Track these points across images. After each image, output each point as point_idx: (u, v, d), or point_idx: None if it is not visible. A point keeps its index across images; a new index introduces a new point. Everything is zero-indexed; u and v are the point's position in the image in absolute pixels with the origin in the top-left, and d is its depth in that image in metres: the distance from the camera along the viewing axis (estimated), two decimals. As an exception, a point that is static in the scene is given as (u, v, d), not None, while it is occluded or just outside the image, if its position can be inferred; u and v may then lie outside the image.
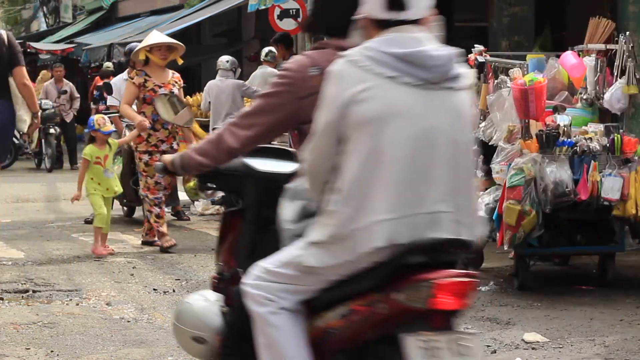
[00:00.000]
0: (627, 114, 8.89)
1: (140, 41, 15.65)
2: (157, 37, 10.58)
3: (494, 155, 8.31)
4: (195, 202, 13.12)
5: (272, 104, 3.94)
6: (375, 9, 3.53)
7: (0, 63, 8.80)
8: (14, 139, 18.74)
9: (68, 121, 21.30)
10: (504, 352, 6.52)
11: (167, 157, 4.22)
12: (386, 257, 3.46)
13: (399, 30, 3.52)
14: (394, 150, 3.46)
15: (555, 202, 7.91)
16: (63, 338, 6.81)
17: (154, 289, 8.32)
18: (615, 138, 8.06)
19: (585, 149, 8.02)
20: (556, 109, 8.50)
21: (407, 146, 3.47)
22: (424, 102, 3.50)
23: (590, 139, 8.10)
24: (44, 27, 39.34)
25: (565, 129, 8.13)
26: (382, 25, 3.54)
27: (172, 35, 13.49)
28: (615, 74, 8.73)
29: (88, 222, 12.25)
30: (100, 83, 21.34)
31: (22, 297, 8.20)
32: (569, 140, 8.03)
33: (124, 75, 12.24)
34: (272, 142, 4.27)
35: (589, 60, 8.81)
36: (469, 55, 9.31)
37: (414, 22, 3.55)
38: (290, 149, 4.35)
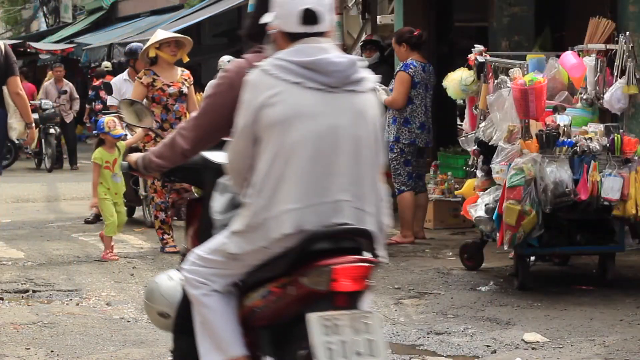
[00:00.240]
0: (627, 114, 8.88)
1: (140, 41, 15.65)
2: (165, 33, 10.46)
3: (494, 155, 8.31)
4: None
5: (214, 105, 4.27)
6: (290, 24, 4.00)
7: None
8: (15, 140, 18.77)
9: (68, 121, 21.31)
10: (504, 352, 6.52)
11: (132, 157, 4.59)
12: (295, 244, 3.91)
13: (307, 41, 3.99)
14: (300, 147, 3.92)
15: (555, 202, 7.92)
16: (63, 338, 6.81)
17: (154, 289, 8.32)
18: (615, 138, 8.06)
19: (585, 149, 8.02)
20: (556, 109, 8.50)
21: (311, 143, 3.92)
22: (327, 103, 3.96)
23: (590, 139, 8.10)
24: (44, 27, 39.33)
25: (565, 129, 8.13)
26: (294, 37, 4.00)
27: (172, 35, 13.51)
28: (615, 74, 8.73)
29: (88, 222, 12.26)
30: (97, 83, 21.40)
31: (22, 297, 8.21)
32: (569, 140, 8.03)
33: (124, 75, 12.24)
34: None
35: (589, 60, 8.81)
36: (469, 55, 9.31)
37: (321, 34, 4.03)
38: None
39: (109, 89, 12.10)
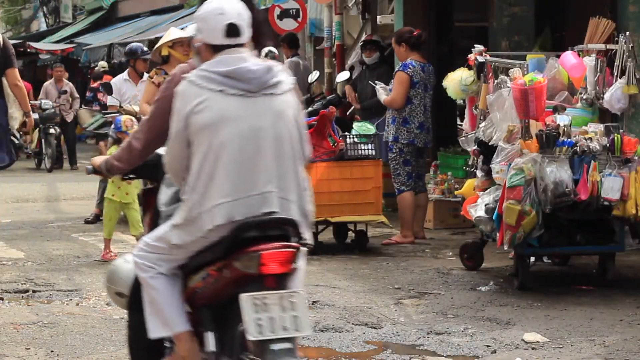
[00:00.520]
0: (627, 114, 8.88)
1: (140, 41, 15.65)
2: (179, 32, 10.23)
3: (494, 155, 8.31)
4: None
5: (162, 108, 4.69)
6: (215, 37, 4.49)
7: None
8: (14, 139, 18.77)
9: (68, 121, 21.30)
10: (504, 352, 6.52)
11: (96, 161, 5.02)
12: (229, 232, 4.38)
13: (229, 52, 4.48)
14: (226, 147, 4.39)
15: (555, 202, 7.92)
16: (63, 338, 6.81)
17: (154, 289, 8.32)
18: (615, 138, 8.06)
19: (585, 149, 8.02)
20: (556, 109, 8.50)
21: (236, 143, 4.40)
22: (248, 107, 4.44)
23: (590, 139, 8.10)
24: (44, 27, 39.34)
25: (565, 129, 8.13)
26: (217, 49, 4.50)
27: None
28: (615, 74, 8.73)
29: (88, 222, 12.26)
30: (94, 85, 21.38)
31: (22, 297, 8.21)
32: (569, 140, 8.03)
33: (124, 75, 12.22)
34: None
35: (589, 60, 8.81)
36: (469, 55, 9.31)
37: (241, 44, 4.52)
38: None
39: (109, 89, 12.09)
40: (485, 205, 8.31)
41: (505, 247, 8.07)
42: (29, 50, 28.79)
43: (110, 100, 12.21)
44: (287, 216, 4.45)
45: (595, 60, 8.78)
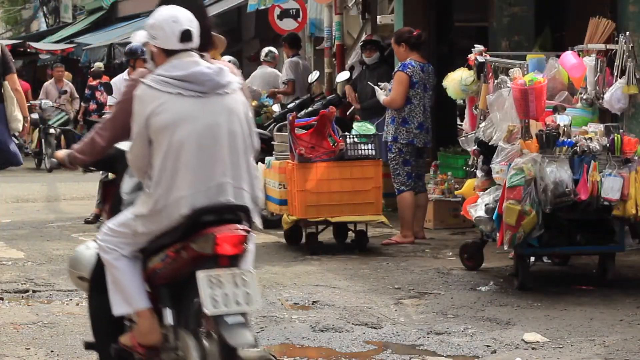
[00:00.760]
0: (627, 114, 8.88)
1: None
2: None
3: (494, 155, 8.30)
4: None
5: (123, 109, 5.08)
6: (170, 43, 4.94)
7: None
8: (14, 139, 18.77)
9: (69, 121, 21.31)
10: (504, 352, 6.52)
11: (60, 154, 5.40)
12: (188, 218, 4.83)
13: (182, 56, 4.93)
14: (185, 145, 4.83)
15: (555, 202, 7.92)
16: (63, 338, 6.81)
17: (154, 289, 8.32)
18: (615, 138, 8.06)
19: (585, 149, 8.02)
20: (556, 109, 8.50)
21: (194, 140, 4.84)
22: (204, 107, 4.88)
23: (590, 139, 8.10)
24: (44, 27, 39.31)
25: (565, 129, 8.13)
26: (171, 53, 4.94)
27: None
28: (615, 74, 8.72)
29: (88, 222, 12.25)
30: (93, 83, 21.38)
31: (22, 297, 8.21)
32: (569, 140, 8.03)
33: (124, 75, 12.22)
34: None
35: (589, 60, 8.81)
36: (469, 55, 9.30)
37: (192, 49, 4.97)
38: None
39: (108, 89, 12.10)
40: (485, 205, 8.31)
41: (505, 247, 8.07)
42: (29, 50, 28.76)
43: (110, 100, 12.22)
44: (241, 203, 4.91)
45: (595, 60, 8.78)
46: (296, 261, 9.74)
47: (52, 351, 6.48)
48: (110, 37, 27.86)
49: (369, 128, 10.48)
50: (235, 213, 4.91)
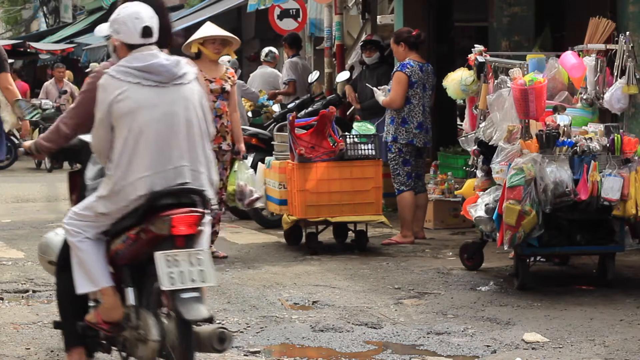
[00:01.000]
0: (627, 114, 8.87)
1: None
2: (211, 29, 9.86)
3: (494, 155, 8.30)
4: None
5: (87, 98, 5.48)
6: (132, 38, 5.36)
7: None
8: (14, 139, 18.77)
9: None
10: (504, 352, 6.52)
11: (27, 144, 5.80)
12: (145, 201, 5.21)
13: (142, 50, 5.34)
14: (144, 130, 5.22)
15: (555, 202, 7.92)
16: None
17: (154, 289, 8.32)
18: (615, 138, 8.06)
19: (585, 149, 8.02)
20: (556, 109, 8.50)
21: (153, 126, 5.24)
22: (162, 96, 5.29)
23: (590, 139, 8.10)
24: (44, 27, 39.32)
25: (565, 129, 8.12)
26: (133, 47, 5.36)
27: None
28: (615, 74, 8.72)
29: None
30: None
31: (22, 297, 8.21)
32: (569, 140, 8.03)
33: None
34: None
35: (589, 60, 8.80)
36: (469, 55, 9.30)
37: (152, 44, 5.37)
38: None
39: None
40: (485, 205, 8.30)
41: (505, 247, 8.07)
42: (29, 50, 28.77)
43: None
44: (198, 186, 5.30)
45: (595, 60, 8.77)
46: (296, 261, 9.74)
47: (52, 351, 6.48)
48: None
49: (369, 128, 10.48)
50: (191, 196, 5.26)
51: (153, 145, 5.24)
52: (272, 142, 11.03)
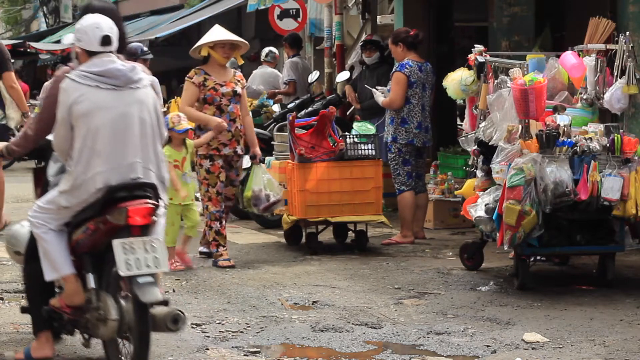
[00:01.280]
0: (627, 114, 8.87)
1: (140, 41, 15.64)
2: (220, 34, 9.69)
3: (494, 155, 8.30)
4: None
5: (50, 102, 5.87)
6: (92, 45, 5.81)
7: None
8: (13, 127, 18.73)
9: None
10: (504, 352, 6.52)
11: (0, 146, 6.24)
12: (103, 194, 5.68)
13: (101, 57, 5.80)
14: (101, 130, 5.70)
15: (555, 202, 7.92)
16: (63, 338, 6.80)
17: (154, 289, 8.31)
18: (615, 138, 8.06)
19: (585, 149, 8.02)
20: (556, 109, 8.50)
21: (109, 126, 5.71)
22: (118, 98, 5.76)
23: (590, 139, 8.10)
24: (44, 27, 39.30)
25: (565, 129, 8.12)
26: (93, 54, 5.82)
27: (172, 35, 13.46)
28: (615, 74, 8.72)
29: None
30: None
31: (22, 297, 8.19)
32: (569, 140, 8.03)
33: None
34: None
35: (589, 60, 8.80)
36: (469, 55, 9.30)
37: (110, 51, 5.84)
38: None
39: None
40: (485, 205, 8.31)
41: (505, 247, 8.07)
42: (29, 50, 28.74)
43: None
44: (148, 181, 5.74)
45: (595, 60, 8.77)
46: (296, 261, 9.74)
47: (52, 351, 6.48)
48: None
49: (369, 128, 10.48)
50: (144, 190, 5.72)
51: (109, 143, 5.71)
52: (272, 142, 11.02)
